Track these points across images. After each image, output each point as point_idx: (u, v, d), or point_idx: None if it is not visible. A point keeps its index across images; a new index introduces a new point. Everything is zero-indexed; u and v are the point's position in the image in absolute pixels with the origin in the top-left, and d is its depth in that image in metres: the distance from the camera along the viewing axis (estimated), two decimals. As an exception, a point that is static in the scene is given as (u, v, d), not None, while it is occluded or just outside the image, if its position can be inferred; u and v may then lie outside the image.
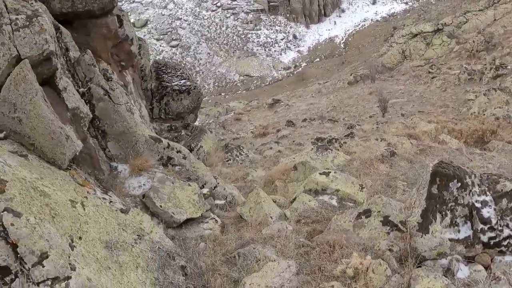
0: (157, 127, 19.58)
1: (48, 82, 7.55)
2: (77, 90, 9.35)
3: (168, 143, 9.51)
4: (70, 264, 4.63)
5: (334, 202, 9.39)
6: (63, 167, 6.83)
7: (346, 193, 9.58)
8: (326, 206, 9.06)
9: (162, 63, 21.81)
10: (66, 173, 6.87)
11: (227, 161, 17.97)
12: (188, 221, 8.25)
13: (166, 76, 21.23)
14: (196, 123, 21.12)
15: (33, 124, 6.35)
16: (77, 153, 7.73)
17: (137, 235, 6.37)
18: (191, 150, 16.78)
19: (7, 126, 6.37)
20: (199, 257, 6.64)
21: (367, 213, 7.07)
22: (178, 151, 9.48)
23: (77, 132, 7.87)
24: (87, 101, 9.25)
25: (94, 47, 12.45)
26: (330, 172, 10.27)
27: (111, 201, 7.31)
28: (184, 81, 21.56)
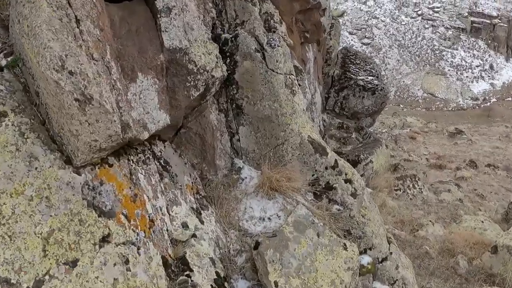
0: (327, 120, 15.33)
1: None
2: (217, 35, 5.47)
3: (335, 160, 5.18)
4: None
5: None
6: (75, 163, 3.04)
7: None
8: None
9: (352, 52, 17.36)
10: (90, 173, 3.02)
11: (396, 190, 12.94)
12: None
13: (353, 66, 16.74)
14: (371, 130, 16.12)
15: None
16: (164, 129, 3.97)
17: None
18: (358, 162, 12.29)
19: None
20: None
21: None
22: (347, 181, 5.11)
23: (171, 93, 4.03)
24: (227, 54, 5.33)
25: (277, 4, 8.63)
26: None
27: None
28: (371, 78, 16.74)
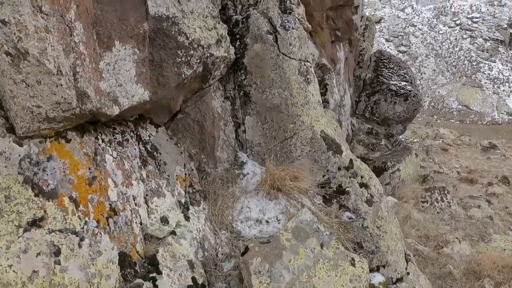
0: (356, 125, 14.47)
1: None
2: (228, 16, 4.83)
3: (350, 160, 4.44)
4: None
5: None
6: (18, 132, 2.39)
7: None
8: None
9: (386, 55, 16.37)
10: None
11: (423, 202, 11.94)
12: None
13: (386, 71, 15.77)
14: (401, 137, 15.13)
15: None
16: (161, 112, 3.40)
17: None
18: (384, 169, 11.37)
19: None
20: None
21: None
22: (362, 185, 4.35)
23: (159, 68, 3.40)
24: (237, 36, 4.66)
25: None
26: None
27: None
28: (405, 83, 15.74)
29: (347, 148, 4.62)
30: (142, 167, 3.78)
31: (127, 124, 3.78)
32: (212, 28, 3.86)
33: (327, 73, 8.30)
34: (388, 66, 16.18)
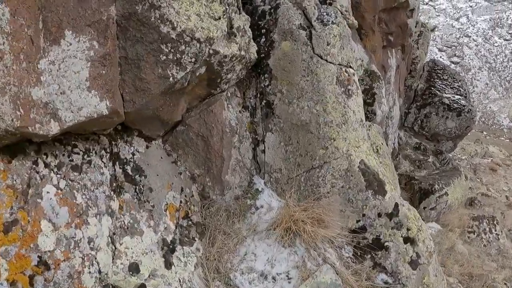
0: (404, 138, 12.98)
1: None
2: (255, 7, 3.71)
3: (396, 205, 3.24)
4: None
5: None
6: None
7: None
8: None
9: (440, 65, 14.68)
10: None
11: (470, 232, 10.33)
12: None
13: (440, 82, 14.11)
14: (450, 156, 13.45)
15: None
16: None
17: None
18: (431, 192, 9.89)
19: None
20: None
21: None
22: (407, 240, 3.12)
23: (135, 69, 2.32)
24: (262, 30, 3.55)
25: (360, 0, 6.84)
26: None
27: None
28: (459, 97, 13.99)
29: (394, 187, 3.40)
30: (114, 196, 2.74)
31: (98, 139, 2.75)
32: (220, 17, 2.75)
33: (376, 81, 7.04)
34: (442, 77, 14.52)
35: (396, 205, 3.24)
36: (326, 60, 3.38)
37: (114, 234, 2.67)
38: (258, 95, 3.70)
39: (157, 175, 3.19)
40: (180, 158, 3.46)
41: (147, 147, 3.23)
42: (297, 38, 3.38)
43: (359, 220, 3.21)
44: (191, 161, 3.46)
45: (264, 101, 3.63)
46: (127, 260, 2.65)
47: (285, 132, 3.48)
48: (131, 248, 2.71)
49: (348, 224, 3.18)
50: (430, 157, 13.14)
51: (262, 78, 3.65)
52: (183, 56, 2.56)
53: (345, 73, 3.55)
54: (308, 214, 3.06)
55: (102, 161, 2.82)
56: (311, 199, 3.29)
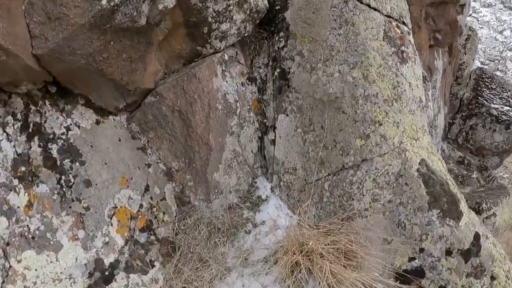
0: (446, 151, 11.26)
1: None
2: None
3: (476, 235, 1.80)
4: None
5: None
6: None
7: None
8: None
9: (488, 74, 12.83)
10: None
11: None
12: None
13: (487, 91, 12.30)
14: (495, 173, 11.48)
15: None
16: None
17: None
18: (477, 212, 8.26)
19: None
20: None
21: None
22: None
23: None
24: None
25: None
26: None
27: None
28: (508, 108, 12.08)
29: (445, 170, 2.05)
30: (20, 186, 1.59)
31: (6, 100, 1.60)
32: None
33: (423, 81, 5.56)
34: (489, 86, 12.69)
35: (477, 236, 1.87)
36: (369, 5, 2.09)
37: (8, 244, 1.49)
38: (271, 62, 2.44)
39: (105, 163, 1.99)
40: (151, 144, 2.25)
41: (96, 122, 2.05)
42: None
43: (414, 258, 1.86)
44: (167, 148, 2.25)
45: (278, 70, 2.36)
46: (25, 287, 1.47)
47: (304, 113, 2.19)
48: (35, 270, 1.52)
49: (395, 262, 1.84)
50: (474, 173, 11.33)
51: (276, 38, 2.39)
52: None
53: (396, 28, 2.23)
54: (330, 243, 1.75)
55: (4, 132, 1.64)
56: (337, 218, 1.98)
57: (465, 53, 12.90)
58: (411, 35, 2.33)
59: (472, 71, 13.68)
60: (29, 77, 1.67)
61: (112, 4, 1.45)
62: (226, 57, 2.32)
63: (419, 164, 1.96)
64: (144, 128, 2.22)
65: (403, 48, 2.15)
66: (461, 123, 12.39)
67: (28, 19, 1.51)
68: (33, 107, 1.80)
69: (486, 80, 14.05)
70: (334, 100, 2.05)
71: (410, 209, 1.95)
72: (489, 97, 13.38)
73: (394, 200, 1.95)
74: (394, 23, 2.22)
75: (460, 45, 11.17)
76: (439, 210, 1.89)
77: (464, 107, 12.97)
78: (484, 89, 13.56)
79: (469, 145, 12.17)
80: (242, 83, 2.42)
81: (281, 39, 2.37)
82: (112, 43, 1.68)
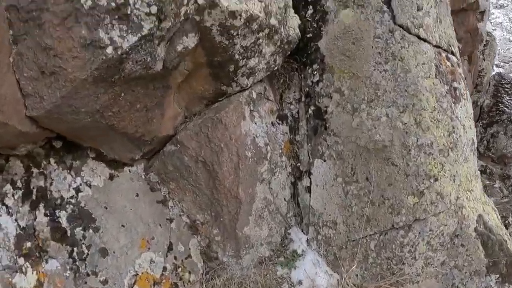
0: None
1: None
2: None
3: None
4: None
5: None
6: None
7: None
8: None
9: (507, 79, 12.34)
10: None
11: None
12: None
13: (508, 97, 11.80)
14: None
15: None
16: None
17: None
18: (504, 226, 7.86)
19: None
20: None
21: None
22: None
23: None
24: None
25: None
26: None
27: None
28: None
29: None
30: (27, 265, 1.34)
31: (3, 164, 1.35)
32: None
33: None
34: (509, 92, 12.20)
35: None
36: (418, 36, 1.78)
37: None
38: (303, 98, 2.15)
39: (122, 225, 1.73)
40: (173, 195, 1.98)
41: (110, 177, 1.78)
42: (364, 1, 1.83)
43: None
44: (190, 200, 1.97)
45: (312, 108, 2.07)
46: None
47: (345, 161, 1.89)
48: None
49: None
50: (497, 182, 10.86)
51: (309, 71, 2.10)
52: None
53: (446, 60, 1.92)
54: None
55: (3, 204, 1.38)
56: (385, 283, 1.67)
57: (484, 59, 12.41)
58: (460, 67, 2.02)
59: (491, 77, 13.18)
60: (26, 140, 1.41)
61: (119, 52, 1.18)
62: (254, 95, 2.04)
63: (477, 222, 1.66)
64: (164, 178, 1.95)
65: (455, 84, 1.84)
66: (482, 132, 11.86)
67: (18, 74, 1.24)
68: (35, 170, 1.54)
69: (506, 86, 13.51)
70: (382, 149, 1.75)
71: (466, 272, 1.64)
72: (509, 104, 12.84)
73: (448, 262, 1.64)
74: (443, 54, 1.91)
75: (479, 51, 10.69)
76: (498, 275, 1.59)
77: (484, 114, 12.44)
78: (504, 95, 13.03)
79: (490, 154, 11.66)
80: (272, 122, 2.13)
81: (315, 72, 2.08)
82: (122, 95, 1.41)
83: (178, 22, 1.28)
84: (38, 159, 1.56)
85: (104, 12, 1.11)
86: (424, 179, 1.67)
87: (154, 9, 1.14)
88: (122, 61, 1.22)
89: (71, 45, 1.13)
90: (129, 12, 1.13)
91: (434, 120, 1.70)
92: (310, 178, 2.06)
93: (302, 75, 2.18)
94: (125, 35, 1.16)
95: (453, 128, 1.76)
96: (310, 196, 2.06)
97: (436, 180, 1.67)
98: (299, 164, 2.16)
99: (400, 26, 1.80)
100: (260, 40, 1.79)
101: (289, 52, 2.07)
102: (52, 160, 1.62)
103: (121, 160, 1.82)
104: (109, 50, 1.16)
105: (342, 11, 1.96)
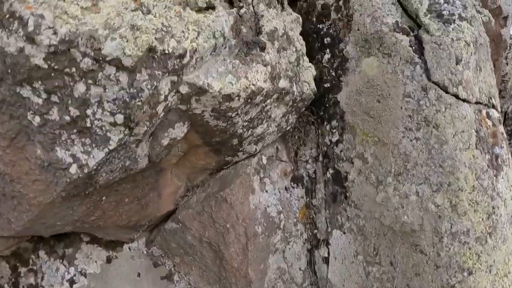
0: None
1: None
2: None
3: None
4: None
5: None
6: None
7: None
8: None
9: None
10: None
11: None
12: None
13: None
14: None
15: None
16: None
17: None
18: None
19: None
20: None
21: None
22: None
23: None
24: (325, 41, 1.70)
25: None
26: None
27: None
28: None
29: None
30: None
31: None
32: (212, 5, 1.00)
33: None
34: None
35: None
36: (457, 96, 1.48)
37: None
38: (320, 157, 1.89)
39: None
40: (178, 268, 1.78)
41: (107, 260, 1.62)
42: (392, 50, 1.53)
43: None
44: (197, 274, 1.78)
45: (331, 171, 1.81)
46: None
47: (367, 238, 1.63)
48: None
49: None
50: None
51: (327, 127, 1.83)
52: (92, 109, 0.87)
53: (486, 119, 1.60)
54: None
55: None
56: None
57: (507, 64, 11.53)
58: (501, 123, 1.70)
59: (516, 82, 12.13)
60: (8, 244, 1.24)
61: (86, 170, 0.97)
62: (264, 161, 1.80)
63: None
64: (167, 253, 1.75)
65: (496, 150, 1.53)
66: (507, 138, 11.19)
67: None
68: (23, 269, 1.38)
69: (529, 90, 12.44)
70: (410, 233, 1.47)
71: None
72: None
73: None
74: (484, 112, 1.60)
75: (506, 51, 9.92)
76: None
77: (509, 121, 11.60)
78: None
79: None
80: (285, 187, 1.89)
81: (334, 130, 1.81)
82: (104, 198, 1.22)
83: (157, 120, 1.06)
84: (25, 256, 1.41)
85: (58, 128, 0.91)
86: (457, 272, 1.39)
87: (120, 118, 0.92)
88: (92, 177, 1.02)
89: (27, 167, 0.94)
90: (88, 124, 0.92)
91: (473, 202, 1.41)
92: (328, 248, 1.81)
93: (319, 131, 1.92)
94: (90, 149, 0.96)
95: (493, 208, 1.45)
96: (328, 268, 1.80)
97: (470, 274, 1.38)
98: (316, 231, 1.91)
99: (435, 83, 1.50)
100: (268, 107, 1.55)
101: (303, 109, 1.82)
102: (41, 252, 1.46)
103: (120, 239, 1.64)
104: (73, 169, 0.96)
105: (365, 60, 1.68)
